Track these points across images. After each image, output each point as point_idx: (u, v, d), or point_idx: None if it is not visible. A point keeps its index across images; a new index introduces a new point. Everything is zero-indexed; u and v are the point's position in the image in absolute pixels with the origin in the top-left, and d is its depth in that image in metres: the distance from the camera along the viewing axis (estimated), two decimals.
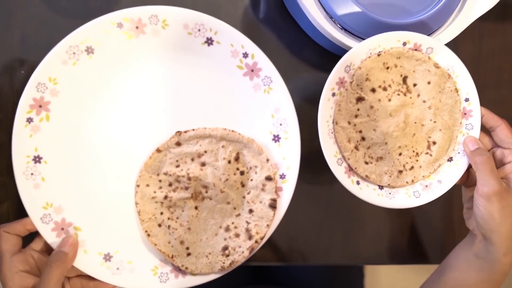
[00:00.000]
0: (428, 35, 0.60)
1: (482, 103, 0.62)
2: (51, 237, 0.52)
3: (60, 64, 0.53)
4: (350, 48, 0.57)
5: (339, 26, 0.59)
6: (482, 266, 0.57)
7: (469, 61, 0.67)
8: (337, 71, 0.54)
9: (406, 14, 0.58)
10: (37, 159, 0.53)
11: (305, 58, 0.66)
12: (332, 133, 0.56)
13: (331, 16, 0.58)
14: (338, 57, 0.59)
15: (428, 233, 0.67)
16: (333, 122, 0.56)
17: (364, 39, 0.56)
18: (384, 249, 0.70)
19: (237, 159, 0.54)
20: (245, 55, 0.54)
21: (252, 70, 0.54)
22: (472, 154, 0.56)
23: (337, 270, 0.92)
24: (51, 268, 0.49)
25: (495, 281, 0.58)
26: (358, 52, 0.55)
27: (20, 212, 0.56)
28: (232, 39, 0.54)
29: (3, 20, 0.63)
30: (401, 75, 0.57)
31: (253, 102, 0.55)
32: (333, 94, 0.55)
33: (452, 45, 0.58)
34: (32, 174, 0.52)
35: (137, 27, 0.53)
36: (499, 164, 0.57)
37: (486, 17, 0.60)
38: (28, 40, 0.62)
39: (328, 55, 0.65)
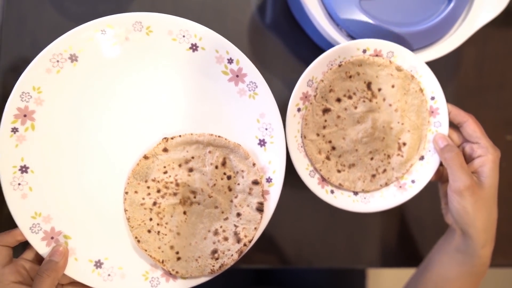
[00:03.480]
0: (433, 42, 0.61)
1: (484, 106, 0.64)
2: (41, 247, 0.53)
3: (43, 73, 0.52)
4: None
5: (345, 32, 0.60)
6: (462, 259, 0.59)
7: (472, 65, 0.72)
8: (300, 86, 0.55)
9: (412, 22, 0.59)
10: (23, 169, 0.52)
11: (311, 63, 0.68)
12: (301, 147, 0.58)
13: (337, 22, 0.60)
14: None
15: (429, 237, 0.69)
16: (301, 136, 0.58)
17: None
18: (386, 252, 0.72)
19: (224, 164, 0.55)
20: (230, 61, 0.54)
21: (237, 76, 0.55)
22: (442, 151, 0.58)
23: (340, 272, 0.93)
24: (42, 277, 0.50)
25: (476, 273, 0.60)
26: (319, 66, 0.56)
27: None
28: (217, 45, 0.54)
29: (15, 26, 0.64)
30: (365, 82, 0.58)
31: (238, 107, 0.56)
32: (299, 110, 0.57)
33: (456, 49, 0.60)
34: (19, 184, 0.52)
35: (121, 34, 0.53)
36: (469, 158, 0.58)
37: (490, 23, 0.62)
38: (39, 45, 0.61)
39: None
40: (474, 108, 0.71)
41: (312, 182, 0.57)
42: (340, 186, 0.59)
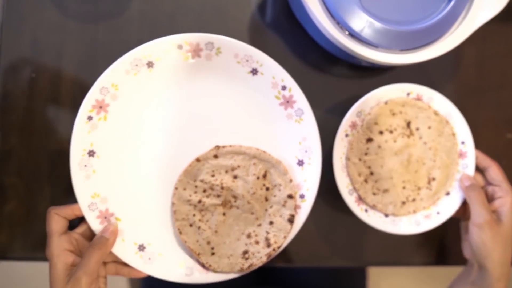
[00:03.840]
0: (434, 41, 0.61)
1: (484, 105, 0.68)
2: (95, 224, 0.59)
3: (123, 73, 0.59)
4: (355, 53, 0.60)
5: (346, 31, 0.60)
6: None
7: (472, 63, 0.73)
8: (350, 116, 0.64)
9: (412, 21, 0.60)
10: (91, 153, 0.59)
11: (311, 62, 0.70)
12: (345, 167, 0.65)
13: (337, 21, 0.60)
14: (343, 61, 0.65)
15: (430, 236, 0.71)
16: (346, 159, 0.65)
17: (369, 45, 0.60)
18: (387, 251, 0.73)
19: (265, 176, 0.62)
20: (284, 87, 0.62)
21: (288, 102, 0.62)
22: (467, 189, 0.65)
23: (340, 271, 0.96)
24: (93, 249, 0.56)
25: None
26: (368, 101, 0.64)
27: (26, 211, 0.63)
28: (274, 73, 0.61)
29: (15, 24, 0.65)
30: (405, 120, 0.66)
31: (284, 128, 0.63)
32: (346, 135, 0.65)
33: (456, 48, 0.60)
34: (85, 165, 0.59)
35: (194, 50, 0.61)
36: (490, 199, 0.65)
37: (490, 21, 0.61)
38: (39, 43, 0.65)
39: (333, 59, 0.69)
40: (474, 107, 0.73)
41: (350, 199, 0.65)
42: (373, 207, 0.66)
